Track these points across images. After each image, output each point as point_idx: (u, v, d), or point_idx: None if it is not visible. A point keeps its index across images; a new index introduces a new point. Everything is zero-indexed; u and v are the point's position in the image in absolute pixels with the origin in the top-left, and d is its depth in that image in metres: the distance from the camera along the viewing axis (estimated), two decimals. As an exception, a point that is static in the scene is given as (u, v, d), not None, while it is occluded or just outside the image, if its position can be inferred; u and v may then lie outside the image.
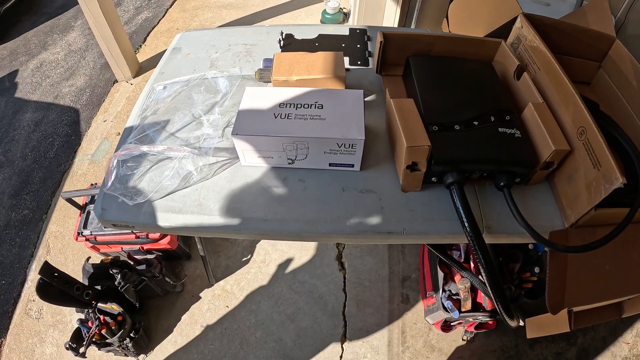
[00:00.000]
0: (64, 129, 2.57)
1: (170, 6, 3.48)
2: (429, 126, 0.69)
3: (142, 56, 2.95)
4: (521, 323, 1.08)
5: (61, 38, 3.25)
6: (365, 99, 0.88)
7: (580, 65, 0.95)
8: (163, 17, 3.37)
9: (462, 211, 0.65)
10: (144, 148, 0.81)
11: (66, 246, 2.00)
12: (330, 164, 0.73)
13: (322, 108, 0.71)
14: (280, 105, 0.72)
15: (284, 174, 0.75)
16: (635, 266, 0.75)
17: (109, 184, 0.77)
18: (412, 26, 1.96)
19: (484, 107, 0.75)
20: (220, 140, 0.81)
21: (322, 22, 2.97)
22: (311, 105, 0.71)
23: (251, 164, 0.76)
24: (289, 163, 0.74)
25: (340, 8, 2.89)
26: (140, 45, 3.09)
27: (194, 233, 0.75)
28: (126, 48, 2.61)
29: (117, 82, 2.79)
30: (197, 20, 3.27)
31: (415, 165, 0.66)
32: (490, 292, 0.69)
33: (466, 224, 0.64)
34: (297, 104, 0.72)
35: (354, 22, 2.29)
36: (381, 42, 0.82)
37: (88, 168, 2.31)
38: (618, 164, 0.60)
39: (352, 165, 0.73)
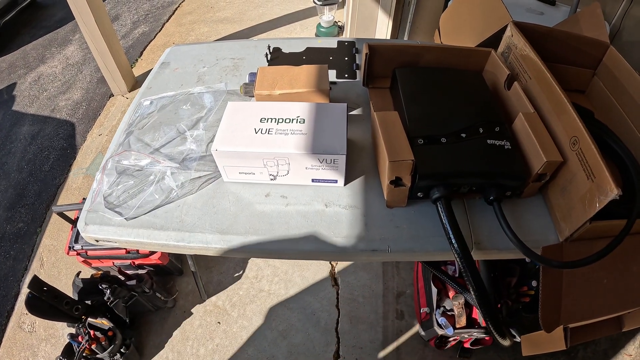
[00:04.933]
0: (60, 143, 2.57)
1: (167, 20, 3.52)
2: (415, 139, 0.67)
3: (138, 70, 2.97)
4: (517, 339, 1.04)
5: (59, 51, 3.28)
6: (351, 113, 0.87)
7: (574, 73, 0.93)
8: (160, 31, 3.40)
9: (448, 227, 0.62)
10: (128, 162, 0.80)
11: (59, 260, 1.99)
12: (313, 180, 0.71)
13: (303, 122, 0.69)
14: (262, 120, 0.70)
15: (266, 190, 0.73)
16: (635, 279, 0.71)
17: (93, 199, 0.76)
18: (405, 38, 1.96)
19: (472, 118, 0.73)
20: (203, 155, 0.80)
21: (317, 35, 2.97)
22: (293, 119, 0.69)
23: (233, 180, 0.75)
24: (271, 179, 0.72)
25: (335, 21, 2.89)
26: (137, 60, 3.10)
27: (176, 250, 0.73)
28: (122, 62, 2.62)
29: (113, 96, 2.80)
30: (194, 35, 3.30)
31: (399, 181, 0.64)
32: (479, 310, 0.66)
33: (453, 240, 0.62)
34: (278, 119, 0.70)
35: (347, 35, 2.29)
36: (366, 54, 0.81)
37: (83, 182, 2.30)
38: (613, 174, 0.57)
39: (336, 181, 0.71)
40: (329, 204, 0.71)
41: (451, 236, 0.62)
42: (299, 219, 0.69)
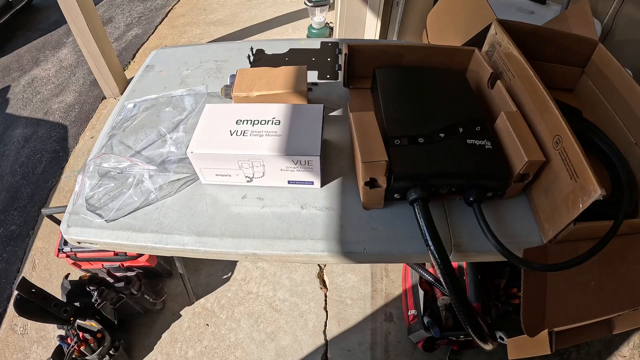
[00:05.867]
0: (53, 145, 2.57)
1: (160, 23, 3.51)
2: (391, 140, 0.66)
3: (131, 73, 2.96)
4: (504, 341, 1.03)
5: (53, 54, 3.27)
6: (331, 114, 0.86)
7: (562, 72, 0.92)
8: (152, 33, 3.40)
9: (425, 229, 0.61)
10: (108, 165, 0.80)
11: (51, 262, 1.98)
12: (289, 182, 0.70)
13: (279, 124, 0.68)
14: (238, 122, 0.69)
15: (243, 192, 0.73)
16: (624, 281, 0.70)
17: (75, 201, 0.76)
18: (394, 38, 1.95)
19: (452, 118, 0.71)
20: (182, 158, 0.79)
21: (308, 36, 2.96)
22: (268, 121, 0.69)
23: (211, 182, 0.74)
24: (248, 181, 0.71)
25: (327, 23, 2.88)
26: (129, 62, 3.10)
27: (154, 252, 0.72)
28: (114, 65, 2.61)
29: (105, 98, 2.80)
30: (186, 37, 3.29)
31: (375, 182, 0.63)
32: (458, 314, 0.65)
33: (430, 243, 0.60)
34: (254, 120, 0.69)
35: (336, 36, 2.28)
36: (346, 54, 0.80)
37: (74, 184, 2.29)
38: (597, 174, 0.56)
39: (312, 183, 0.70)
40: (305, 206, 0.70)
41: (428, 238, 0.61)
42: (274, 221, 0.68)
